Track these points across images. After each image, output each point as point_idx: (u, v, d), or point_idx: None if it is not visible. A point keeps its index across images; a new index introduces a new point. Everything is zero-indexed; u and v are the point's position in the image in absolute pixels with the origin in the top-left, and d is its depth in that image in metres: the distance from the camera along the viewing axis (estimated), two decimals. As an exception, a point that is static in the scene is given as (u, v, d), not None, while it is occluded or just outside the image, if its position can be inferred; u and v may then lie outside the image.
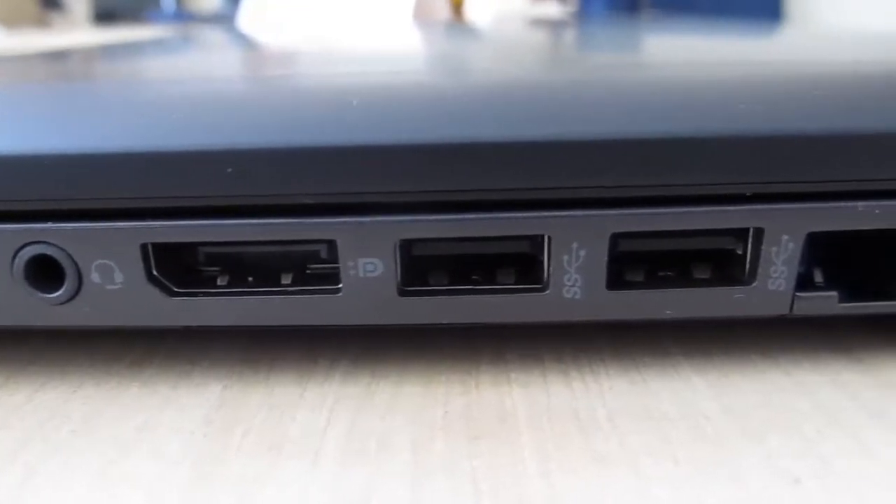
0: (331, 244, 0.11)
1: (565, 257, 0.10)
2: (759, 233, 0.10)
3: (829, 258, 0.12)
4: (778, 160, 0.10)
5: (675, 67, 0.12)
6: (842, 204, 0.10)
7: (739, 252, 0.11)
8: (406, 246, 0.11)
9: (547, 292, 0.11)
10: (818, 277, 0.11)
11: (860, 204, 0.10)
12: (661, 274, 0.11)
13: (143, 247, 0.11)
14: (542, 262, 0.11)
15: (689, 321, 0.12)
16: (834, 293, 0.11)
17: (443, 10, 0.66)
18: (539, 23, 0.36)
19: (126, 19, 0.74)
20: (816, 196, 0.10)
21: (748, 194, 0.10)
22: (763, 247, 0.11)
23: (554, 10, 0.67)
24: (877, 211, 0.10)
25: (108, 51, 0.21)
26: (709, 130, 0.10)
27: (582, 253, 0.10)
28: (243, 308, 0.11)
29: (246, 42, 0.23)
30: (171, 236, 0.11)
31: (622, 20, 0.39)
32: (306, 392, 0.12)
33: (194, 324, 0.11)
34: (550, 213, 0.10)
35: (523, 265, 0.11)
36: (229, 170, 0.10)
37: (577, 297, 0.11)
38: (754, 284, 0.11)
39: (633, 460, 0.10)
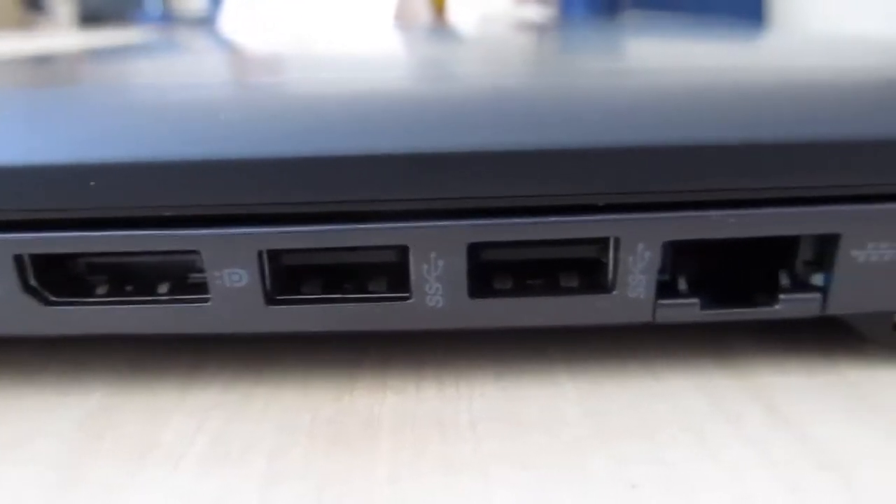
0: (197, 255, 0.11)
1: (425, 266, 0.11)
2: (616, 242, 0.11)
3: (705, 266, 0.12)
4: (629, 171, 0.10)
5: (526, 79, 0.12)
6: (695, 213, 0.10)
7: (604, 261, 0.11)
8: (274, 256, 0.11)
9: (411, 301, 0.11)
10: (682, 285, 0.11)
11: (713, 213, 0.10)
12: (530, 282, 0.11)
13: (18, 258, 0.11)
14: (405, 271, 0.11)
15: (561, 329, 0.12)
16: (696, 300, 0.11)
17: (424, 13, 0.67)
18: (481, 27, 0.36)
19: (111, 22, 0.75)
20: (670, 206, 0.10)
21: (601, 204, 0.10)
22: (620, 256, 0.11)
23: (534, 13, 0.68)
24: (731, 220, 0.10)
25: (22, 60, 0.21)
26: (558, 142, 0.10)
27: (440, 262, 0.11)
28: (118, 317, 0.11)
29: (153, 51, 0.23)
30: (41, 247, 0.11)
31: (574, 23, 0.39)
32: (186, 398, 0.12)
33: (70, 332, 0.11)
34: (408, 223, 0.10)
35: (393, 274, 0.11)
36: (92, 183, 0.10)
37: (440, 305, 0.11)
38: (615, 293, 0.11)
39: (483, 466, 0.10)
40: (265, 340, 0.13)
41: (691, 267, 0.12)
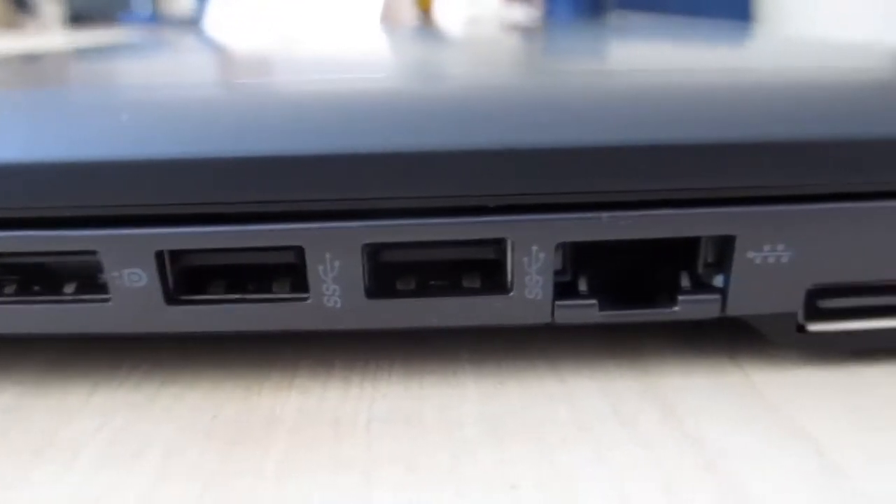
0: (95, 255, 0.11)
1: (321, 267, 0.11)
2: (510, 244, 0.11)
3: (610, 267, 0.12)
4: (521, 173, 0.10)
5: (419, 81, 0.13)
6: (587, 215, 0.10)
7: (502, 262, 0.11)
8: (176, 256, 0.11)
9: (309, 301, 0.11)
10: (582, 286, 0.11)
11: (605, 215, 0.11)
12: (433, 283, 0.12)
13: None
14: (304, 272, 0.11)
15: (472, 330, 0.12)
16: (594, 301, 0.11)
17: (409, 15, 0.67)
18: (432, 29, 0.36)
19: (99, 22, 0.75)
20: (562, 207, 0.11)
21: (492, 206, 0.10)
22: (515, 257, 0.11)
23: (519, 15, 0.68)
24: (622, 222, 0.11)
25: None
26: (448, 144, 0.10)
27: (336, 263, 0.11)
28: (24, 317, 0.11)
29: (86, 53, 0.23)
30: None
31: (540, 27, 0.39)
32: (94, 397, 0.12)
33: None
34: (303, 224, 0.11)
35: (296, 275, 0.11)
36: None
37: (338, 305, 0.11)
38: (513, 294, 0.11)
39: (369, 466, 0.10)
40: (181, 340, 0.13)
41: (595, 268, 0.12)
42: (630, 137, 0.10)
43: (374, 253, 0.11)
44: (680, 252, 0.11)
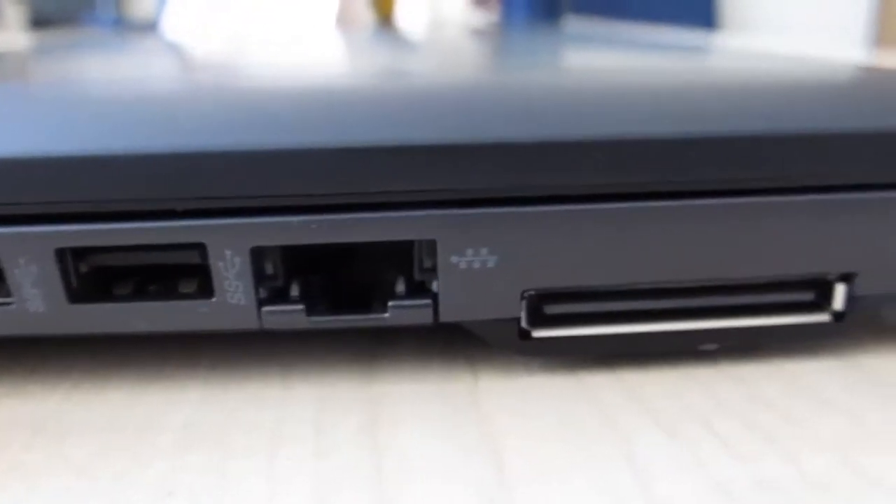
0: None
1: (16, 271, 0.11)
2: (204, 248, 0.11)
3: (333, 272, 0.12)
4: (209, 177, 0.10)
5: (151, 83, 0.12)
6: (277, 219, 0.10)
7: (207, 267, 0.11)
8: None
9: (13, 306, 0.11)
10: (294, 291, 0.11)
11: (295, 219, 0.10)
12: (149, 288, 0.11)
13: None
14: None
15: (172, 335, 0.12)
16: (301, 307, 0.11)
17: (366, 17, 0.67)
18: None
19: (62, 25, 0.75)
20: (253, 211, 0.10)
21: (180, 210, 0.10)
22: (211, 262, 0.11)
23: (477, 19, 0.68)
24: (313, 226, 0.10)
25: None
26: (134, 147, 0.10)
27: (33, 268, 0.11)
28: None
29: None
30: None
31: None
32: None
33: None
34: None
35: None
36: None
37: (41, 310, 0.11)
38: (215, 299, 0.11)
39: (44, 473, 0.10)
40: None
41: (320, 274, 0.12)
42: (313, 140, 0.10)
43: (78, 257, 0.11)
44: (400, 257, 0.11)
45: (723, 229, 0.11)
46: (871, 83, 0.13)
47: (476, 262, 0.11)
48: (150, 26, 0.79)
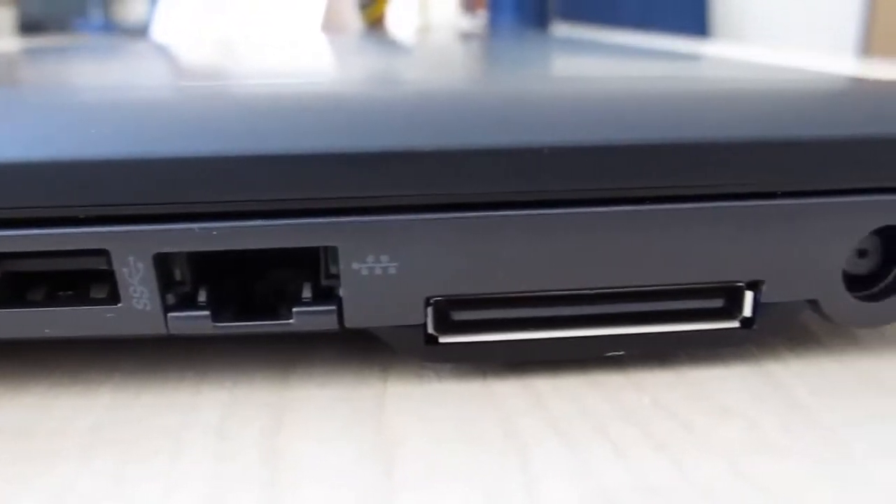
0: None
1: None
2: (108, 254, 0.11)
3: (243, 278, 0.12)
4: (111, 184, 0.10)
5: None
6: (177, 226, 0.10)
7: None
8: None
9: None
10: (201, 297, 0.11)
11: (196, 226, 0.10)
12: (61, 294, 0.12)
13: None
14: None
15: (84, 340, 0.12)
16: (206, 313, 0.11)
17: (354, 22, 0.67)
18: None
19: (52, 30, 0.76)
20: (154, 218, 0.10)
21: (82, 217, 0.10)
22: (116, 268, 0.11)
23: (466, 24, 0.68)
24: (214, 233, 0.10)
25: None
26: (34, 155, 0.10)
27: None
28: None
29: None
30: None
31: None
32: None
33: None
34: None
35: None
36: None
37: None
38: (121, 305, 0.11)
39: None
40: None
41: (231, 280, 0.12)
42: (212, 148, 0.10)
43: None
44: (309, 263, 0.11)
45: (629, 236, 0.11)
46: (784, 90, 0.13)
47: (377, 269, 0.11)
48: (140, 30, 0.79)
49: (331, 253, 0.11)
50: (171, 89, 0.14)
